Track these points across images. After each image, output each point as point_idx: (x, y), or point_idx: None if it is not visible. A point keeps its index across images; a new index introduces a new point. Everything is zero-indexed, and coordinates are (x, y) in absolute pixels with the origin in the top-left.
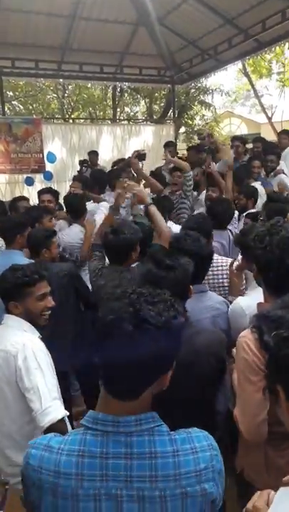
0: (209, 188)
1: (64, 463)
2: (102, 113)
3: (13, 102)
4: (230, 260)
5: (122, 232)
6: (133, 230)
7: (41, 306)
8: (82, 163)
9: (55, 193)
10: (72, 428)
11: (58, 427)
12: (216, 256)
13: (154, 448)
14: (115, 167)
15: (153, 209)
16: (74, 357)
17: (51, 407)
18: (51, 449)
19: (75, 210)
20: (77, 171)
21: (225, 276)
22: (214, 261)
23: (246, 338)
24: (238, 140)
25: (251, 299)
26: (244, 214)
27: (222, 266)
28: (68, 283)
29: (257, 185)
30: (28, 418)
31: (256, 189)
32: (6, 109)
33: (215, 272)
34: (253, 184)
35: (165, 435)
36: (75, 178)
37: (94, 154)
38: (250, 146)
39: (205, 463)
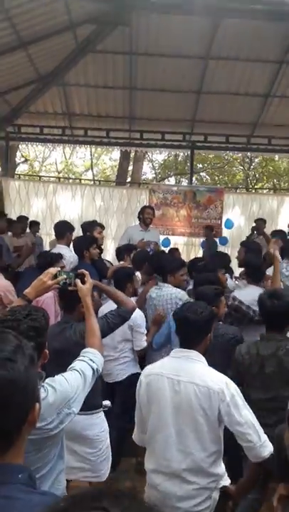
0: None
1: None
2: (286, 184)
3: (201, 173)
4: None
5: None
6: None
7: None
8: (253, 229)
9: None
10: None
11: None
12: None
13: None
14: None
15: None
16: None
17: (267, 440)
18: None
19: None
20: (246, 237)
21: None
22: None
23: None
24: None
25: None
26: None
27: None
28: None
29: None
30: (216, 448)
31: None
32: (194, 178)
33: None
34: None
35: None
36: (242, 244)
37: (261, 221)
38: None
39: None
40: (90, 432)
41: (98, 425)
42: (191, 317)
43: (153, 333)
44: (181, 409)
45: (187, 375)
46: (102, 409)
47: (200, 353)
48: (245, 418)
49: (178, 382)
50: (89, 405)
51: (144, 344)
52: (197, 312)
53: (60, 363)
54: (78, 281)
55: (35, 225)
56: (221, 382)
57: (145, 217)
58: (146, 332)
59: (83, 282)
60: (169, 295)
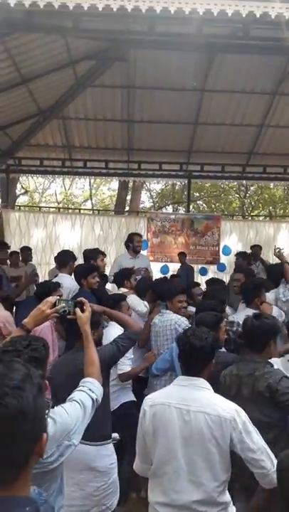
0: None
1: None
2: (282, 211)
3: (198, 202)
4: None
5: None
6: None
7: None
8: (250, 255)
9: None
10: None
11: None
12: None
13: None
14: None
15: None
16: None
17: None
18: None
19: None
20: (235, 263)
21: None
22: None
23: None
24: None
25: None
26: None
27: None
28: None
29: None
30: (226, 476)
31: None
32: (191, 206)
33: None
34: None
35: None
36: (236, 270)
37: (257, 247)
38: None
39: None
40: (100, 463)
41: (108, 457)
42: (195, 343)
43: (142, 368)
44: (191, 439)
45: (196, 403)
46: (111, 440)
47: (205, 380)
48: (258, 444)
49: (187, 412)
50: (98, 436)
51: (127, 369)
52: (202, 338)
53: (72, 390)
54: (77, 309)
55: (26, 250)
56: (232, 410)
57: (135, 245)
58: (132, 357)
59: (82, 310)
60: (169, 321)
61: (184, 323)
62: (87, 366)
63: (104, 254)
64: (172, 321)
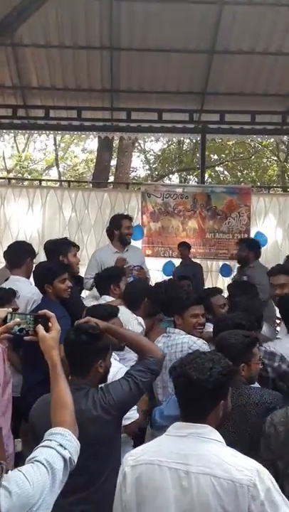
0: None
1: None
2: None
3: (216, 168)
4: None
5: None
6: None
7: None
8: None
9: None
10: None
11: None
12: None
13: None
14: None
15: None
16: None
17: None
18: None
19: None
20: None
21: None
22: None
23: None
24: None
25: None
26: None
27: None
28: None
29: None
30: None
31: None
32: (206, 175)
33: None
34: None
35: None
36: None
37: None
38: None
39: None
40: None
41: None
42: (192, 376)
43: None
44: None
45: (199, 462)
46: None
47: (213, 428)
48: None
49: (186, 475)
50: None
51: (136, 416)
52: (204, 369)
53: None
54: (40, 327)
55: None
56: (251, 472)
57: (123, 232)
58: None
59: (47, 329)
60: (180, 345)
61: (201, 347)
62: (55, 410)
63: (77, 247)
64: (184, 345)
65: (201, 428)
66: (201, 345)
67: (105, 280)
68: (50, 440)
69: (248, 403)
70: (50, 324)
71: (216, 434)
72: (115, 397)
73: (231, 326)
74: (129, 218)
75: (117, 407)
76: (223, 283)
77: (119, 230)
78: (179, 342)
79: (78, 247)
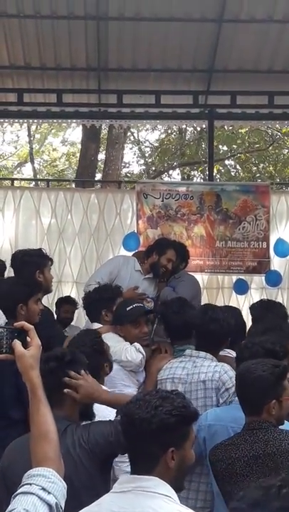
0: None
1: None
2: None
3: (227, 162)
4: None
5: None
6: None
7: None
8: None
9: None
10: None
11: None
12: None
13: None
14: None
15: None
16: None
17: None
18: None
19: None
20: None
21: None
22: None
23: None
24: None
25: None
26: None
27: None
28: None
29: None
30: None
31: None
32: (215, 170)
33: None
34: None
35: None
36: None
37: None
38: None
39: None
40: None
41: None
42: (135, 416)
43: None
44: None
45: None
46: None
47: (162, 480)
48: None
49: None
50: None
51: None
52: (148, 407)
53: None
54: (16, 342)
55: None
56: None
57: (161, 262)
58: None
59: (25, 345)
60: (211, 374)
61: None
62: (35, 445)
63: (51, 261)
64: (216, 375)
65: (146, 481)
66: (232, 375)
67: (96, 303)
68: (30, 484)
69: (280, 451)
70: (28, 339)
71: (166, 488)
72: (97, 438)
73: (262, 354)
74: (176, 250)
75: (95, 452)
76: (237, 302)
77: (158, 256)
78: (211, 371)
79: (52, 261)
